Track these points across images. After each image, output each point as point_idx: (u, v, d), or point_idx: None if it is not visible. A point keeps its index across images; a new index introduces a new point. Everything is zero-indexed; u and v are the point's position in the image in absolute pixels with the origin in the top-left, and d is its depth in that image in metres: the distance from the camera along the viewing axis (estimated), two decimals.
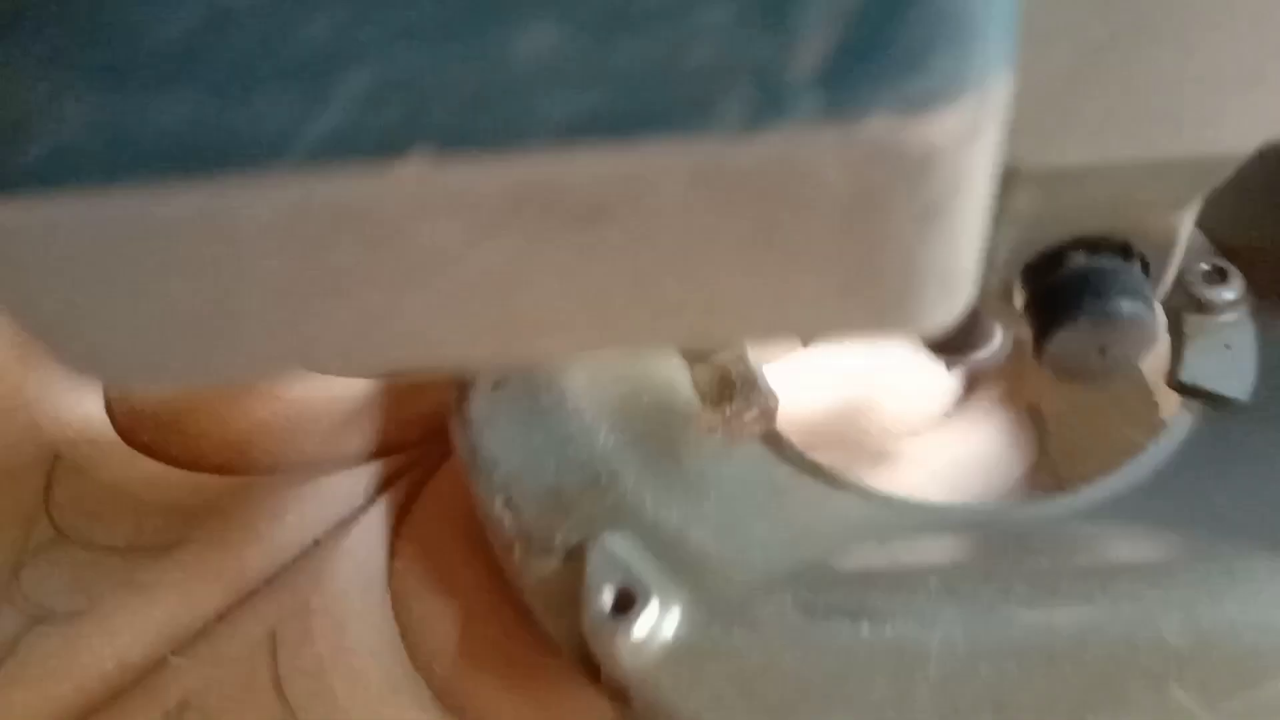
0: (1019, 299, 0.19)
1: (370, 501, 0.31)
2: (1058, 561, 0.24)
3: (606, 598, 0.24)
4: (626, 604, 0.24)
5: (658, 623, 0.24)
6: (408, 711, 0.27)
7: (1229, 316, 0.29)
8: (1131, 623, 0.23)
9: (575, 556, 0.25)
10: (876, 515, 0.28)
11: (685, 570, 0.25)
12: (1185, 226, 0.18)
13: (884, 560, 0.25)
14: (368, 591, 0.29)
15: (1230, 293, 0.29)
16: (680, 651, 0.24)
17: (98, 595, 0.30)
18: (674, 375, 0.31)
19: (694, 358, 0.32)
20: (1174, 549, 0.25)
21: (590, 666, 0.26)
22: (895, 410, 0.33)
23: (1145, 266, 0.18)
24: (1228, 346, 0.29)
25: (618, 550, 0.25)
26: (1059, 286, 0.18)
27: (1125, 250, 0.18)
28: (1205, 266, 0.30)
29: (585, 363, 0.29)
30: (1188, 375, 0.29)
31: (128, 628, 0.29)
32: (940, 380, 0.33)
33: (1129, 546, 0.25)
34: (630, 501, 0.26)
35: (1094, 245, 0.18)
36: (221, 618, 0.29)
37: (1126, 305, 0.17)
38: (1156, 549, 0.25)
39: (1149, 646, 0.23)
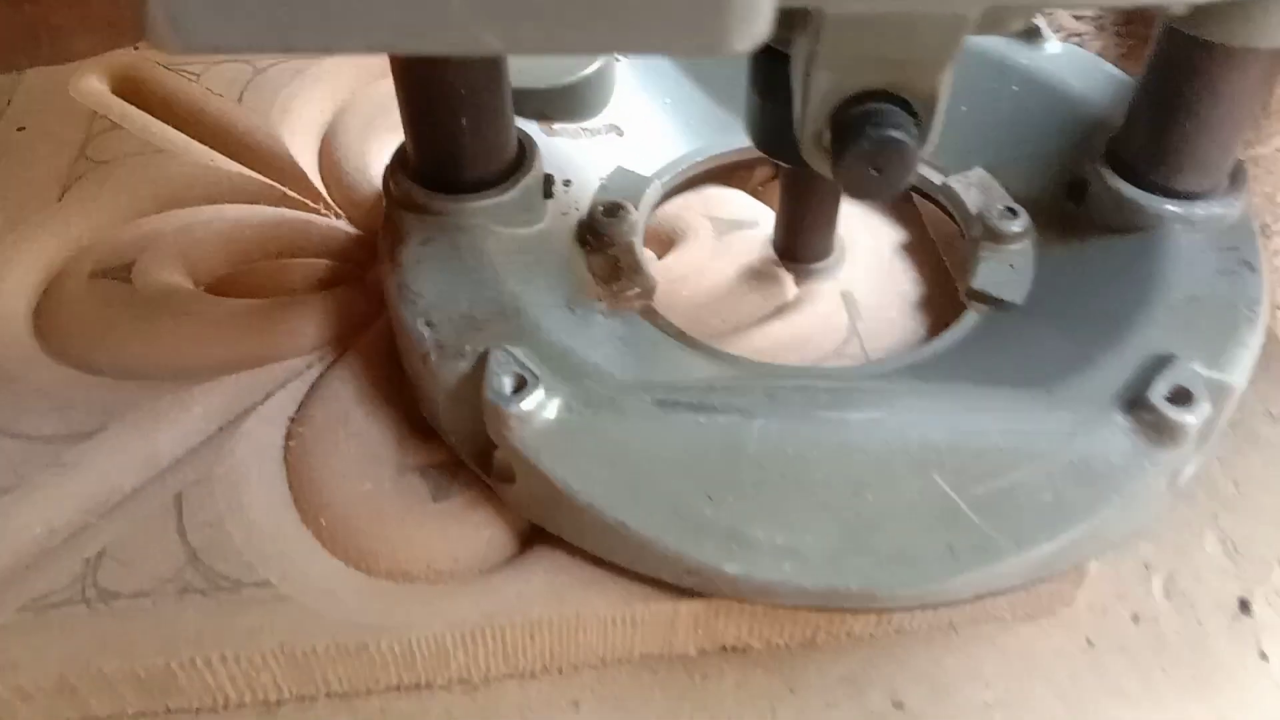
0: (826, 139, 0.26)
1: (269, 395, 0.36)
2: (857, 385, 0.31)
3: (506, 381, 0.30)
4: (519, 387, 0.30)
5: (543, 403, 0.30)
6: (295, 550, 0.31)
7: (1015, 245, 0.37)
8: (906, 423, 0.30)
9: (481, 361, 0.31)
10: (723, 367, 0.34)
11: (568, 374, 0.31)
12: (944, 87, 0.25)
13: (727, 381, 0.32)
14: (263, 463, 0.34)
15: (1017, 226, 0.37)
16: (559, 429, 0.30)
17: (26, 474, 0.34)
18: (573, 258, 0.37)
19: (591, 250, 0.38)
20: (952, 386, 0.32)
21: (483, 458, 0.32)
22: (751, 298, 0.40)
23: (918, 121, 0.26)
24: (1012, 266, 0.37)
25: (516, 354, 0.31)
26: (851, 121, 0.25)
27: (904, 104, 0.25)
28: (1000, 206, 0.38)
29: (499, 234, 0.35)
30: (978, 284, 0.36)
31: (53, 500, 0.33)
32: (785, 277, 0.41)
33: (916, 382, 0.32)
34: (528, 327, 0.32)
35: (879, 96, 0.25)
36: (136, 490, 0.33)
37: (896, 134, 0.24)
38: (936, 385, 0.32)
39: (918, 442, 0.29)
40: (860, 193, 0.25)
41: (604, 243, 0.38)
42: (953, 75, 0.25)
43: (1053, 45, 0.43)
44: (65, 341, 0.39)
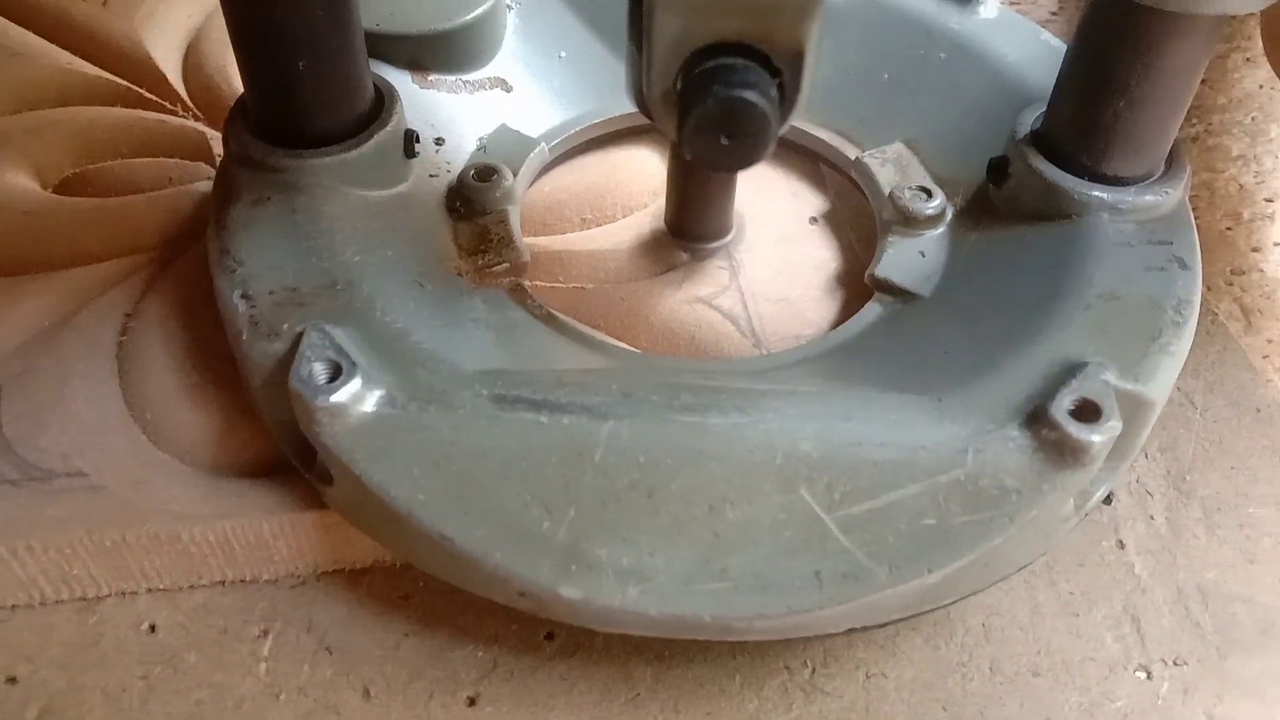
0: (675, 99, 0.22)
1: (105, 290, 0.34)
2: (726, 384, 0.27)
3: (317, 368, 0.26)
4: (333, 376, 0.26)
5: (359, 394, 0.26)
6: (117, 442, 0.30)
7: (928, 230, 0.33)
8: (773, 432, 0.26)
9: (298, 344, 0.27)
10: (593, 358, 0.30)
11: (397, 362, 0.27)
12: (810, 40, 0.21)
13: (578, 374, 0.28)
14: (94, 357, 0.32)
15: (931, 209, 0.33)
16: (377, 425, 0.26)
17: None
18: (437, 227, 0.33)
19: (460, 218, 0.34)
20: (832, 389, 0.28)
21: (306, 453, 0.28)
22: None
23: (783, 87, 0.22)
24: (922, 254, 0.33)
25: (335, 335, 0.27)
26: (697, 78, 0.21)
27: (766, 63, 0.21)
28: (913, 186, 0.34)
29: (347, 196, 0.31)
30: (882, 272, 0.32)
31: None
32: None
33: (797, 382, 0.28)
34: (360, 305, 0.28)
35: (737, 50, 0.21)
36: None
37: (748, 94, 0.20)
38: (814, 386, 0.28)
39: (786, 453, 0.26)
40: (710, 163, 0.21)
41: (474, 210, 0.34)
42: (821, 28, 0.21)
43: (988, 9, 0.39)
44: None
